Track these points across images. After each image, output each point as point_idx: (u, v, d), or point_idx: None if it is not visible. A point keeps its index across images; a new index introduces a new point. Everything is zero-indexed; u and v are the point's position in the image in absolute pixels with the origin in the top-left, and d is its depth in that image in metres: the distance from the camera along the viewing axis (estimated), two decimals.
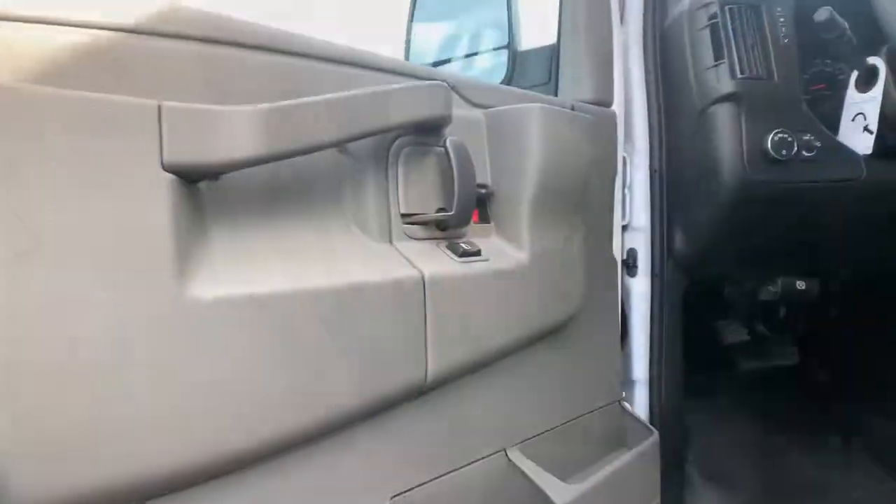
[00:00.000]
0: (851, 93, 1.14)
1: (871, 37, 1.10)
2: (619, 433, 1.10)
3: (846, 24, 1.05)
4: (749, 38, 1.08)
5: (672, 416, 1.19)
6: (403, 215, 0.73)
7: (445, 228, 0.76)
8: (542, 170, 0.83)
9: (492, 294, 0.78)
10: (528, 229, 0.83)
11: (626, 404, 1.18)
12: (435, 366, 0.69)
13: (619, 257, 1.15)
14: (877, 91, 1.10)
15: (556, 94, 1.12)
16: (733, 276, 1.34)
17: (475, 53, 1.33)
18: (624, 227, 1.21)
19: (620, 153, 1.15)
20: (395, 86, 0.68)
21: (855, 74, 1.13)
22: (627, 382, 1.22)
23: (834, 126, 1.15)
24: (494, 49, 1.29)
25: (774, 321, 1.48)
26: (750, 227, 1.15)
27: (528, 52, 1.24)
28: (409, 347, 0.67)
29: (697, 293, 1.27)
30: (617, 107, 1.14)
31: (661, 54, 1.19)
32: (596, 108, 1.06)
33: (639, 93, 1.20)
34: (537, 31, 1.22)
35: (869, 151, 1.10)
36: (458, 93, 0.83)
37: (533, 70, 1.21)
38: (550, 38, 1.17)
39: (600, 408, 1.04)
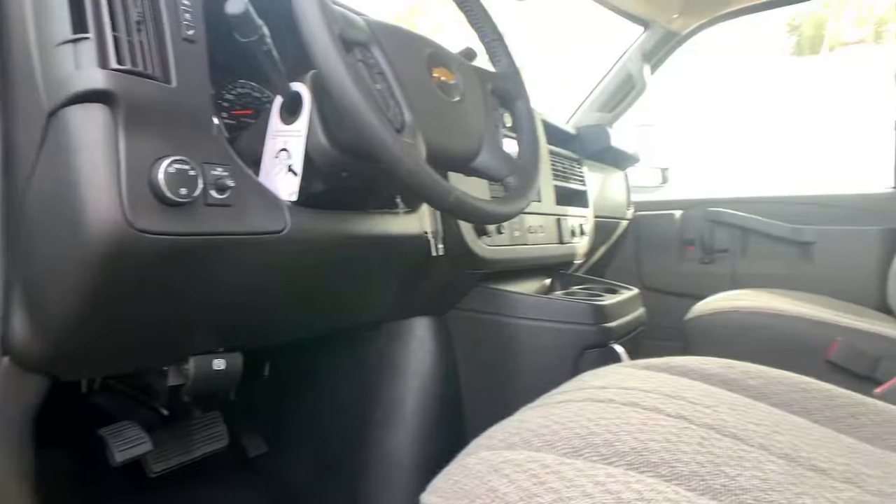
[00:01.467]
0: (276, 123, 0.89)
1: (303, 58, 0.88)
2: None
3: (265, 28, 0.79)
4: (134, 12, 0.70)
5: None
6: None
7: None
8: None
9: None
10: None
11: None
12: None
13: None
14: (301, 124, 0.87)
15: None
16: (123, 364, 0.93)
17: None
18: None
19: None
20: None
21: (279, 101, 0.89)
22: None
23: (258, 164, 0.89)
24: None
25: (188, 405, 1.15)
26: (139, 299, 0.77)
27: None
28: None
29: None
30: None
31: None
32: None
33: None
34: None
35: (294, 198, 0.86)
36: None
37: None
38: None
39: None
